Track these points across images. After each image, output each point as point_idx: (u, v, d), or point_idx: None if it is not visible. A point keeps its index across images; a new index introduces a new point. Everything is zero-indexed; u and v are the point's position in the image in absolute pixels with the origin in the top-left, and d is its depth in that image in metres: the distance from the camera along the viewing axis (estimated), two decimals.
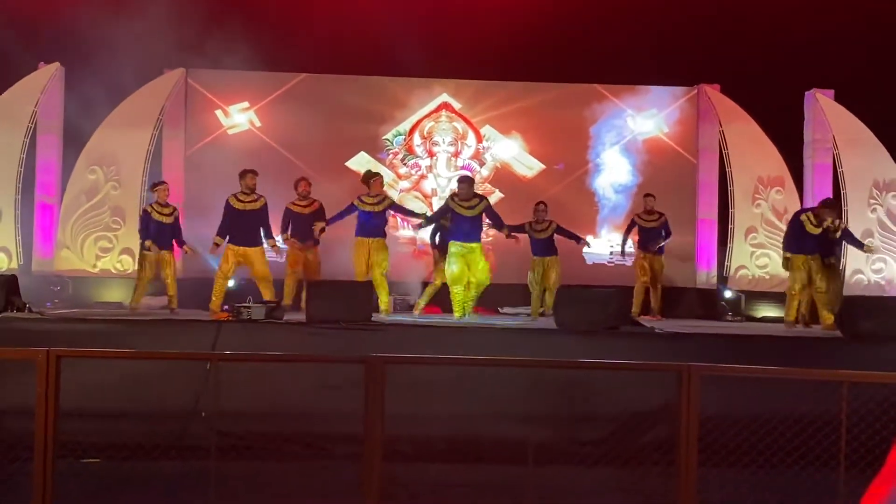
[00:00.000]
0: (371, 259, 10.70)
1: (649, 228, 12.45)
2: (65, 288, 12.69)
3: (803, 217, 10.65)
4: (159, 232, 10.97)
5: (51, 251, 13.57)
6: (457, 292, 10.26)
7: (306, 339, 7.92)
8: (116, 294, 12.95)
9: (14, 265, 12.99)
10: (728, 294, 13.38)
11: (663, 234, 12.50)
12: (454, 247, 10.28)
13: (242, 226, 10.67)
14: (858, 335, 8.40)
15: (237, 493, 5.67)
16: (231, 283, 11.02)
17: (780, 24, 12.78)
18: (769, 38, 12.99)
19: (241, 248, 10.63)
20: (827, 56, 12.83)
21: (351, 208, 10.94)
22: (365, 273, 10.68)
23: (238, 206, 10.69)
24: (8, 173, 13.32)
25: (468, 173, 12.80)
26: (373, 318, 8.87)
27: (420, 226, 11.88)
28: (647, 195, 12.71)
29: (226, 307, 9.77)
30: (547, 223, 11.88)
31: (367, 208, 10.84)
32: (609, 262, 14.16)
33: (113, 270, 13.56)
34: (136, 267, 11.42)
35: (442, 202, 14.15)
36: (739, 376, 5.86)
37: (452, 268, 10.21)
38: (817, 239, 10.47)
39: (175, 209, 11.26)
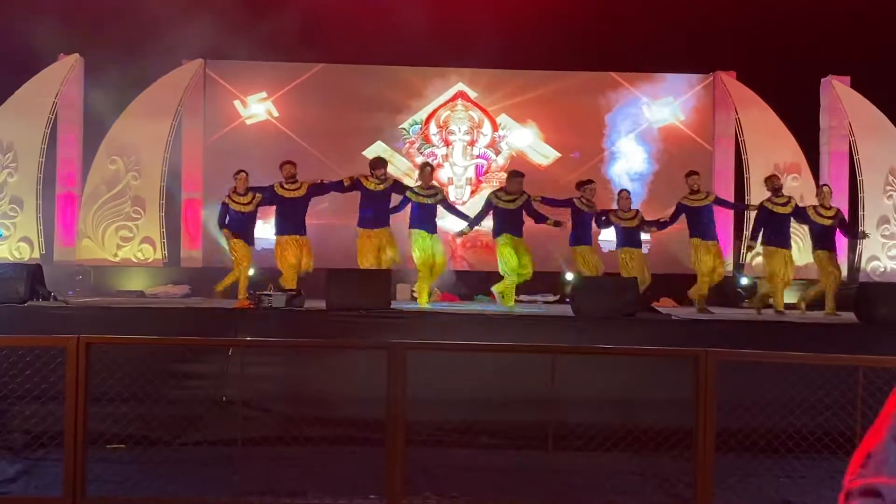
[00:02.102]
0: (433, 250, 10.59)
1: (701, 208, 10.98)
2: (86, 277, 12.84)
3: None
4: (238, 221, 10.62)
5: (72, 241, 13.72)
6: (513, 282, 10.43)
7: (327, 326, 8.00)
8: (137, 283, 13.10)
9: (36, 254, 13.16)
10: (744, 281, 13.39)
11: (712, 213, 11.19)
12: (506, 239, 10.35)
13: (291, 214, 10.57)
14: (875, 321, 8.43)
15: (261, 479, 5.77)
16: (251, 271, 11.04)
17: (795, 11, 12.76)
18: (785, 25, 12.97)
19: (300, 236, 10.54)
20: (843, 43, 12.81)
21: (405, 201, 10.78)
22: (431, 264, 10.57)
23: (285, 193, 10.57)
24: (29, 164, 13.48)
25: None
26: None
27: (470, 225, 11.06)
28: (691, 173, 11.20)
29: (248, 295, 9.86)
30: (633, 212, 11.24)
31: (423, 200, 10.60)
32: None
33: (133, 259, 13.71)
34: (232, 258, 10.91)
35: (457, 191, 14.20)
36: (755, 362, 5.92)
37: (511, 259, 10.28)
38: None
39: (254, 197, 10.65)
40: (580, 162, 14.51)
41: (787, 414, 6.18)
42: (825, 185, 11.61)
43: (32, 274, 8.89)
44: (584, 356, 6.60)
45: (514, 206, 10.42)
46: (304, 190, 10.58)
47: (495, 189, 10.98)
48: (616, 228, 11.24)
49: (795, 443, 5.86)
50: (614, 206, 11.49)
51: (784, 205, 10.75)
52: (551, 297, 12.27)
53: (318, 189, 10.76)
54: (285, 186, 10.54)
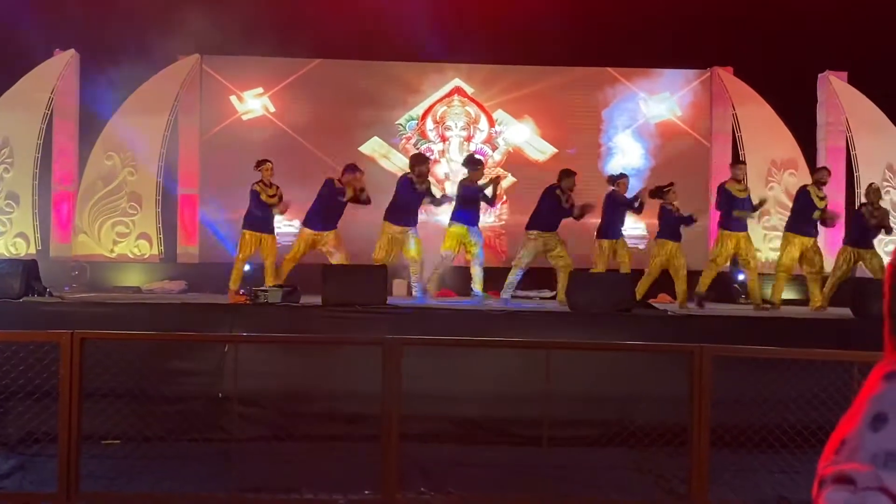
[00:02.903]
0: (467, 244, 10.61)
1: (743, 200, 10.84)
2: (82, 272, 12.82)
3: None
4: (260, 215, 10.53)
5: (68, 236, 13.70)
6: (516, 277, 10.56)
7: (322, 322, 7.99)
8: (134, 278, 13.08)
9: (32, 250, 13.14)
10: (741, 277, 13.36)
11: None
12: (537, 235, 10.44)
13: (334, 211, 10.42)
14: (871, 317, 8.42)
15: (256, 475, 5.76)
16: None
17: (792, 6, 12.74)
18: (782, 21, 12.95)
19: (321, 231, 10.40)
20: (840, 38, 12.79)
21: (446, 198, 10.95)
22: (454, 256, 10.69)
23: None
24: (25, 160, 13.46)
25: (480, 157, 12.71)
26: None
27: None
28: (739, 162, 11.37)
29: (242, 290, 9.84)
30: (676, 206, 11.10)
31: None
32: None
33: (130, 255, 13.69)
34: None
35: (454, 186, 14.18)
36: (750, 357, 5.92)
37: (528, 259, 10.47)
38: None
39: (278, 189, 10.59)
40: (577, 157, 14.47)
41: (783, 409, 6.17)
42: (872, 182, 11.60)
43: (28, 269, 8.88)
44: (580, 352, 6.60)
45: (567, 204, 10.48)
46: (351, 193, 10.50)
47: (554, 184, 10.81)
48: (667, 219, 11.12)
49: (790, 438, 5.86)
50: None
51: (822, 199, 10.69)
52: (548, 293, 12.26)
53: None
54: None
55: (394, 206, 10.44)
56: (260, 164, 10.60)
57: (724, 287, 13.27)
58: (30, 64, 13.53)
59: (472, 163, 10.84)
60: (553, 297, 11.56)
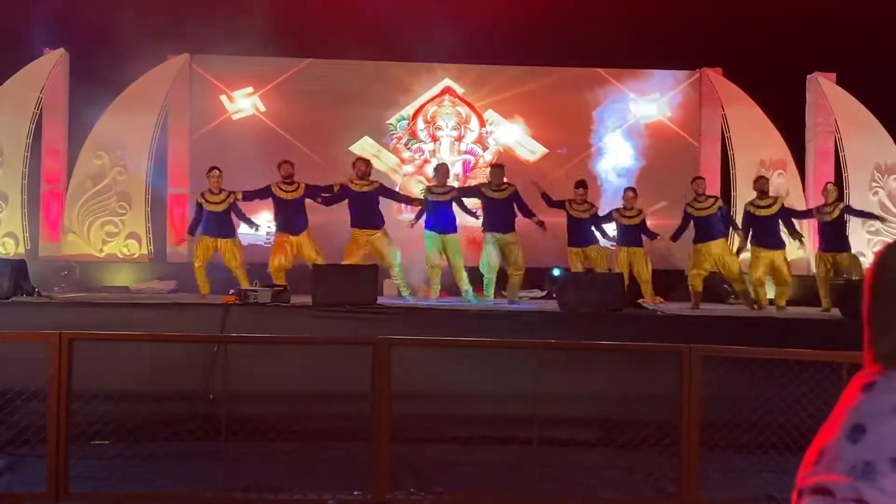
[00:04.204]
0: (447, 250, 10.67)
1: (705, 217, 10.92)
2: (71, 272, 12.76)
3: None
4: (212, 220, 10.65)
5: (57, 236, 13.65)
6: (490, 279, 10.70)
7: (312, 322, 7.99)
8: (123, 278, 13.03)
9: (21, 250, 13.09)
10: None
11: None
12: (491, 238, 10.58)
13: (288, 214, 10.54)
14: (859, 317, 8.43)
15: (246, 475, 5.75)
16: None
17: (782, 7, 12.79)
18: (771, 22, 13.00)
19: (293, 236, 10.48)
20: (829, 39, 12.85)
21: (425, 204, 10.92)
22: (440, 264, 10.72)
23: (281, 194, 10.50)
24: (14, 159, 13.41)
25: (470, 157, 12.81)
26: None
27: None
28: (695, 178, 11.41)
29: (232, 291, 9.81)
30: (637, 211, 11.26)
31: (437, 199, 10.69)
32: (612, 246, 14.20)
33: (119, 255, 13.65)
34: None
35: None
36: (740, 357, 5.94)
37: (489, 260, 10.57)
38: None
39: (229, 196, 10.64)
40: (567, 158, 14.53)
41: (772, 409, 6.19)
42: (829, 182, 11.64)
43: (16, 269, 8.86)
44: (570, 351, 6.61)
45: (500, 195, 10.58)
46: (301, 191, 10.51)
47: (483, 183, 11.10)
48: (618, 226, 11.32)
49: (779, 438, 5.88)
50: (602, 202, 11.57)
51: (764, 207, 10.71)
52: (538, 293, 12.28)
53: (314, 191, 10.63)
54: (282, 187, 10.49)
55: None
56: (208, 171, 10.67)
57: (714, 288, 13.31)
58: (19, 63, 13.49)
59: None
60: (544, 297, 11.61)
